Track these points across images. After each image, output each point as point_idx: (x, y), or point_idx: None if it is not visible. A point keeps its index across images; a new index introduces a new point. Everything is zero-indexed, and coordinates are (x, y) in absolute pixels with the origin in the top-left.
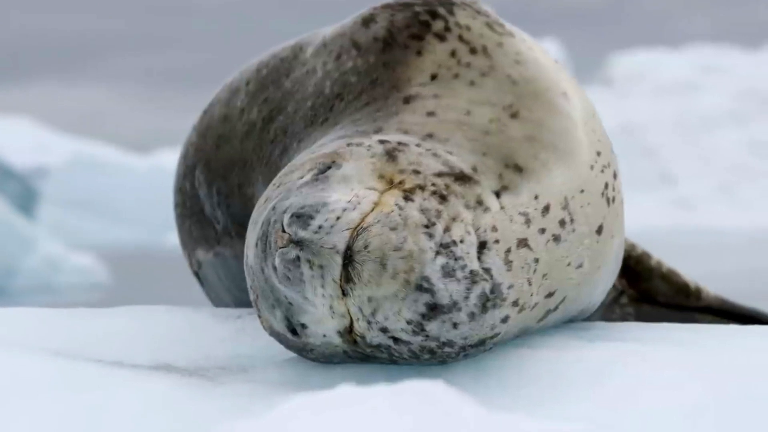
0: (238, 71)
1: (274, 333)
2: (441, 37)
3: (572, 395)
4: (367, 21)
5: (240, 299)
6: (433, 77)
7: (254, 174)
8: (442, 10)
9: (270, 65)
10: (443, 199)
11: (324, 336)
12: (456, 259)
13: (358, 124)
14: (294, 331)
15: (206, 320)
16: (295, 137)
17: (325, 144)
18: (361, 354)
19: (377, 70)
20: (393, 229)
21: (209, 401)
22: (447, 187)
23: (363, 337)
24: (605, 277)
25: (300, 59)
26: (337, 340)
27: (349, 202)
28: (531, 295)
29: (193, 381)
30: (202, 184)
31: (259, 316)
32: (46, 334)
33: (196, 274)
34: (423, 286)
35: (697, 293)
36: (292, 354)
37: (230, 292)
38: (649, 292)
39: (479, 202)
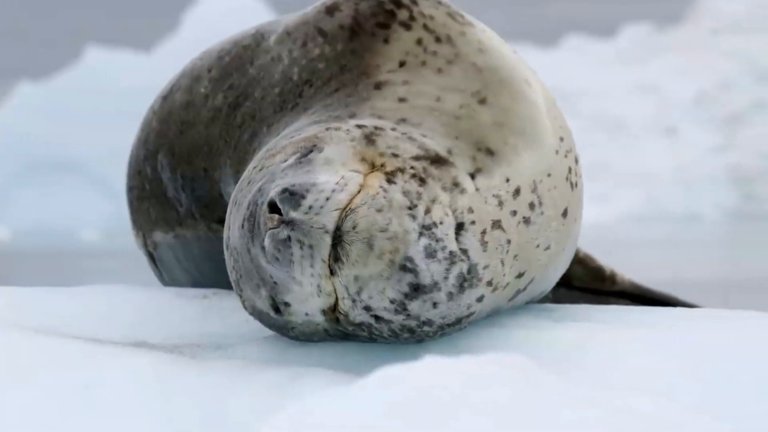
0: (196, 58)
1: (255, 312)
2: (406, 26)
3: (551, 372)
4: (331, 9)
5: (197, 280)
6: (402, 64)
7: (221, 158)
8: (405, 0)
9: (232, 53)
10: (422, 181)
11: (306, 315)
12: (437, 240)
13: (330, 109)
14: (277, 310)
15: (171, 300)
16: (264, 122)
17: (300, 129)
18: (341, 332)
19: (345, 57)
20: (379, 210)
21: (196, 377)
22: (425, 170)
23: (346, 316)
24: (565, 259)
25: (263, 47)
26: (319, 319)
27: (336, 183)
28: (503, 276)
29: (176, 358)
30: (166, 168)
31: (241, 296)
32: (17, 313)
33: (150, 255)
34: (407, 267)
35: (611, 278)
36: (264, 332)
37: (188, 272)
38: (566, 276)
39: (455, 184)
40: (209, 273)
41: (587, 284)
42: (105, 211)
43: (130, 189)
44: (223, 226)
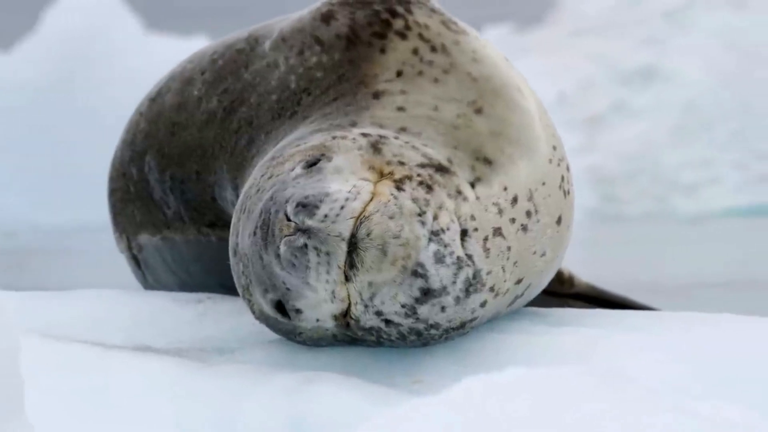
0: (185, 61)
1: (263, 317)
2: (403, 36)
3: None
4: (327, 17)
5: (185, 281)
6: (399, 74)
7: (217, 162)
8: (400, 9)
9: (226, 56)
10: (429, 188)
11: (317, 320)
12: (445, 246)
13: (330, 118)
14: (286, 315)
15: (167, 304)
16: (261, 129)
17: (304, 137)
18: (349, 337)
19: (343, 66)
20: (391, 217)
21: (205, 380)
22: (430, 177)
23: (357, 321)
24: (557, 265)
25: (257, 52)
26: (329, 324)
27: (349, 192)
28: (504, 282)
29: (183, 362)
30: (153, 170)
31: (249, 301)
32: (19, 317)
33: (134, 258)
34: (418, 272)
35: (570, 280)
36: (264, 335)
37: (176, 274)
38: None
39: (458, 192)
40: (197, 274)
41: (546, 287)
42: None
43: (113, 191)
44: (212, 229)
